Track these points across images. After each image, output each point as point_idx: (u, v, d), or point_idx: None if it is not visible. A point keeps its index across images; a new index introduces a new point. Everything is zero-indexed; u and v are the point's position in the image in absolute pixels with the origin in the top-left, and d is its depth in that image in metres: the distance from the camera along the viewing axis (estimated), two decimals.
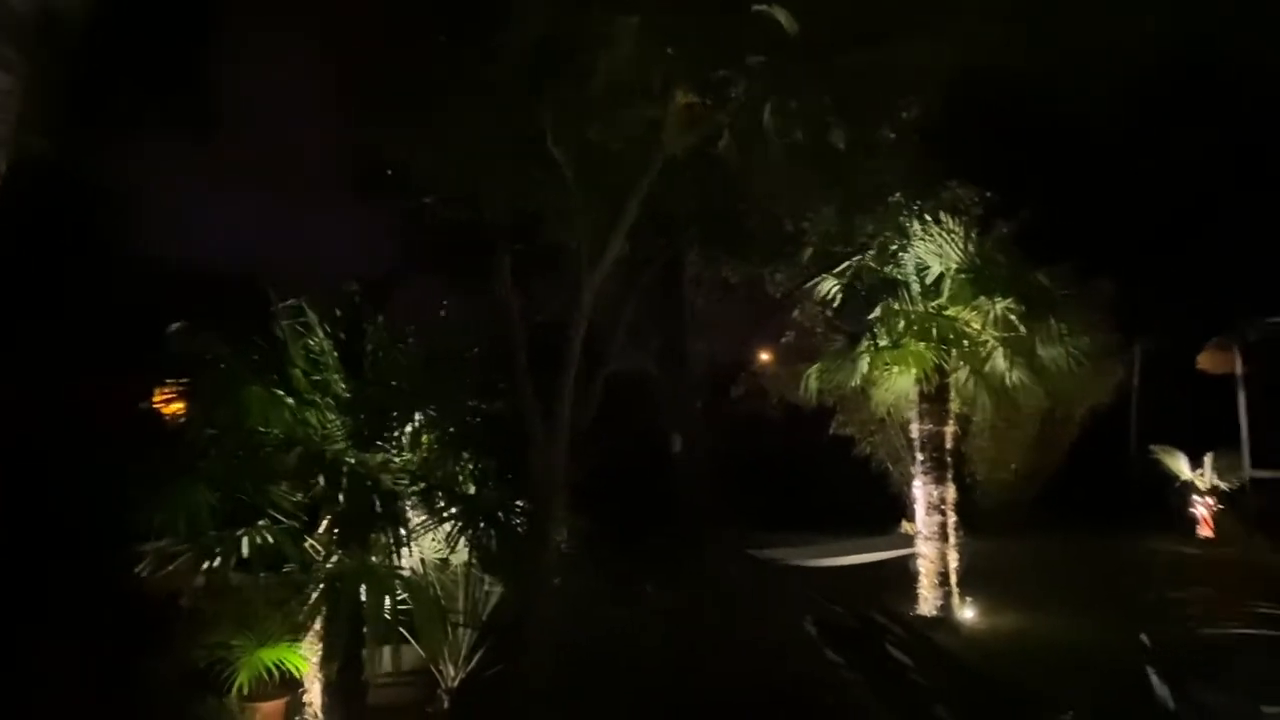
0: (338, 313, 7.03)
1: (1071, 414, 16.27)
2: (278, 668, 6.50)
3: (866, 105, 5.90)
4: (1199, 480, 14.04)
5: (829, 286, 11.08)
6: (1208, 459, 14.10)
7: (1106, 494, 15.22)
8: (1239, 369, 15.50)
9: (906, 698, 3.21)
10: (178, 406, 7.34)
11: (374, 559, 6.37)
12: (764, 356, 18.11)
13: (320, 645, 6.53)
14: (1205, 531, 13.82)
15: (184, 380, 7.06)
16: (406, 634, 6.56)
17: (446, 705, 7.09)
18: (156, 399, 7.66)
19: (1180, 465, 14.27)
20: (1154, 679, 3.59)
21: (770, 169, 6.08)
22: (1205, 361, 16.56)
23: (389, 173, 8.09)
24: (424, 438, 7.12)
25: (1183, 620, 3.29)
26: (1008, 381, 10.43)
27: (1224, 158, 17.78)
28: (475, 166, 6.97)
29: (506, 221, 7.61)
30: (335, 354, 6.78)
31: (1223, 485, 14.08)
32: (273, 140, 9.70)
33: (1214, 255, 18.59)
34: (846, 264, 10.93)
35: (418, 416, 7.15)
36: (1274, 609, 3.23)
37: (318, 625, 6.46)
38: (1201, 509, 13.55)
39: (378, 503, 6.37)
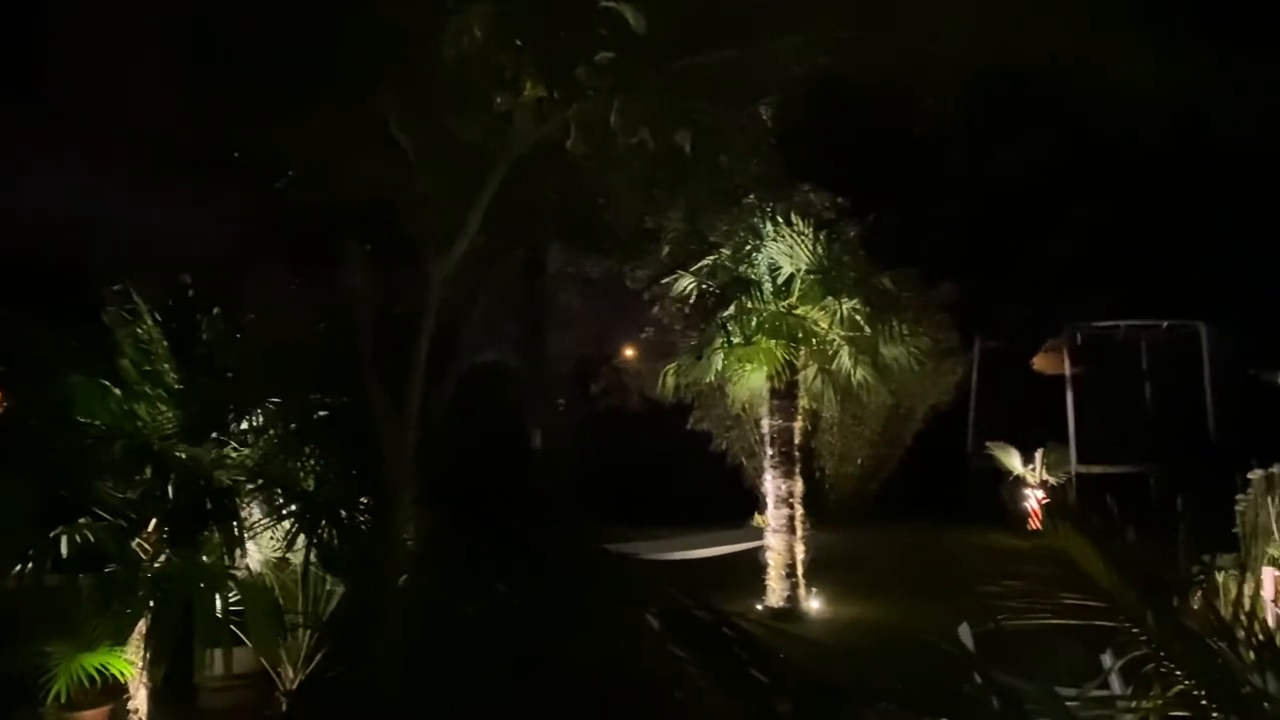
0: (169, 301, 6.70)
1: (914, 411, 17.00)
2: (100, 673, 6.15)
3: (713, 108, 5.99)
4: (1030, 475, 14.84)
5: (685, 284, 11.24)
6: (1038, 455, 14.93)
7: (945, 488, 15.96)
8: (1068, 370, 16.47)
9: (743, 688, 3.28)
10: None
11: (206, 558, 6.11)
12: (626, 352, 18.25)
13: (147, 649, 6.21)
14: (1035, 524, 14.63)
15: None
16: (241, 635, 6.31)
17: (284, 708, 6.87)
18: None
19: (1013, 461, 15.07)
20: (971, 667, 3.78)
21: (617, 166, 6.11)
22: (1040, 363, 17.56)
23: (235, 155, 7.77)
24: (270, 432, 6.87)
25: (997, 610, 3.46)
26: (853, 379, 10.81)
27: (1064, 168, 18.86)
28: (321, 150, 6.77)
29: (356, 208, 7.41)
30: (166, 343, 6.46)
31: (1051, 480, 14.92)
32: (105, 116, 9.16)
33: (1050, 261, 19.69)
34: (702, 262, 11.11)
35: (257, 410, 6.90)
36: (1078, 599, 3.43)
37: (144, 628, 6.14)
38: (1032, 503, 14.34)
39: (210, 499, 6.10)
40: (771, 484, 11.15)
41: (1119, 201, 19.17)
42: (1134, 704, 3.26)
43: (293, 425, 6.90)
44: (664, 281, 12.07)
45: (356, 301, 7.50)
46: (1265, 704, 2.86)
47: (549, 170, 7.46)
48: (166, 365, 6.47)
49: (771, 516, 11.11)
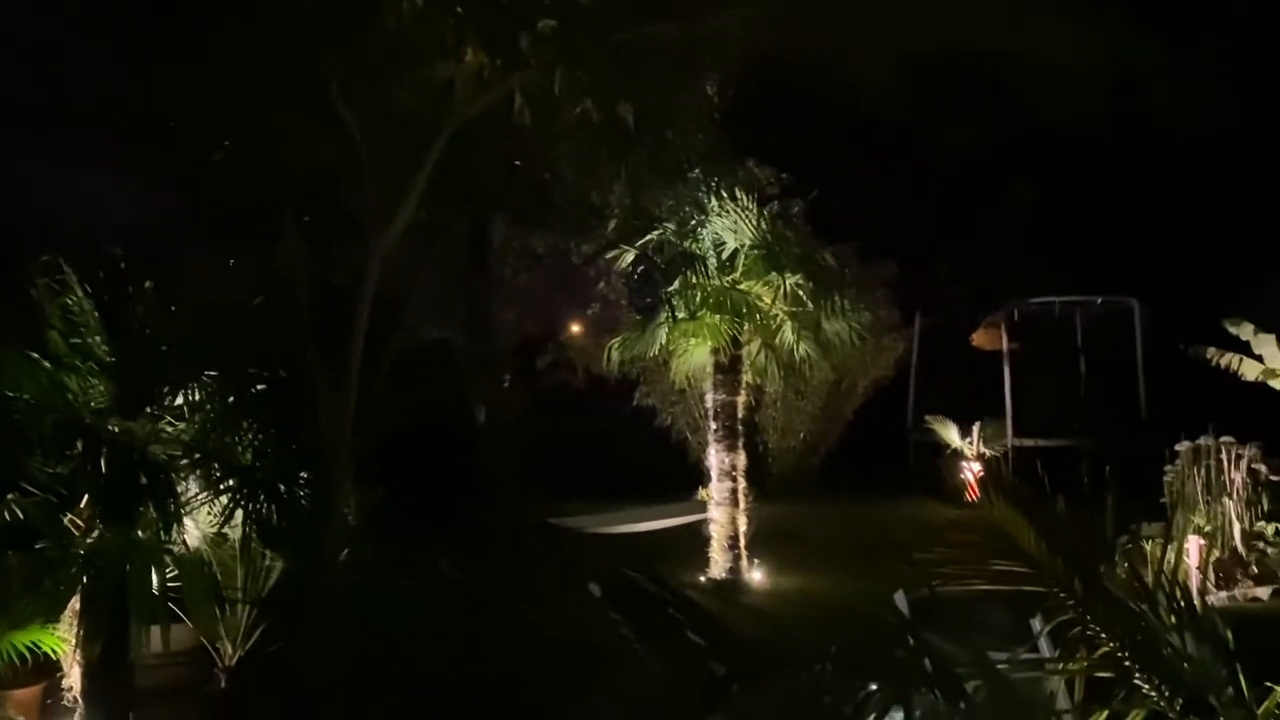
0: (101, 273, 6.54)
1: (855, 386, 17.23)
2: (31, 651, 6.03)
3: (658, 80, 5.96)
4: (967, 448, 15.12)
5: (628, 259, 11.25)
6: (976, 428, 15.21)
7: (886, 461, 16.22)
8: (1005, 345, 16.80)
9: (684, 654, 3.32)
10: None
11: (141, 534, 6.00)
12: (573, 328, 18.24)
13: (80, 627, 6.09)
14: (972, 496, 14.91)
15: None
16: (179, 612, 6.23)
17: (223, 684, 6.80)
18: None
19: (951, 434, 15.33)
20: (905, 632, 3.87)
21: (561, 139, 6.08)
22: (979, 339, 17.89)
23: (171, 123, 7.58)
24: (207, 406, 6.75)
25: (933, 579, 3.54)
26: (796, 354, 10.92)
27: (1005, 147, 19.17)
28: (259, 118, 6.64)
29: (296, 179, 7.28)
30: (96, 315, 6.31)
31: (988, 453, 15.22)
32: (32, 81, 8.86)
33: (990, 238, 20.03)
34: (647, 237, 11.12)
35: (194, 384, 6.77)
36: (1008, 566, 3.51)
37: (77, 605, 6.03)
38: (968, 475, 14.62)
39: (145, 474, 5.99)
40: (715, 458, 11.25)
41: (1057, 180, 19.55)
42: (1061, 666, 3.35)
43: (230, 399, 6.79)
44: (609, 256, 12.05)
45: (296, 275, 7.38)
46: (1185, 664, 2.96)
47: (493, 143, 7.38)
48: (97, 338, 6.32)
49: (715, 490, 11.22)
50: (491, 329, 16.59)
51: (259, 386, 6.96)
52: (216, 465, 6.40)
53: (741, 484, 11.17)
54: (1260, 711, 2.77)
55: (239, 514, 6.32)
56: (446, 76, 5.46)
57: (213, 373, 6.75)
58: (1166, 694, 2.88)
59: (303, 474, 6.59)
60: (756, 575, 11.03)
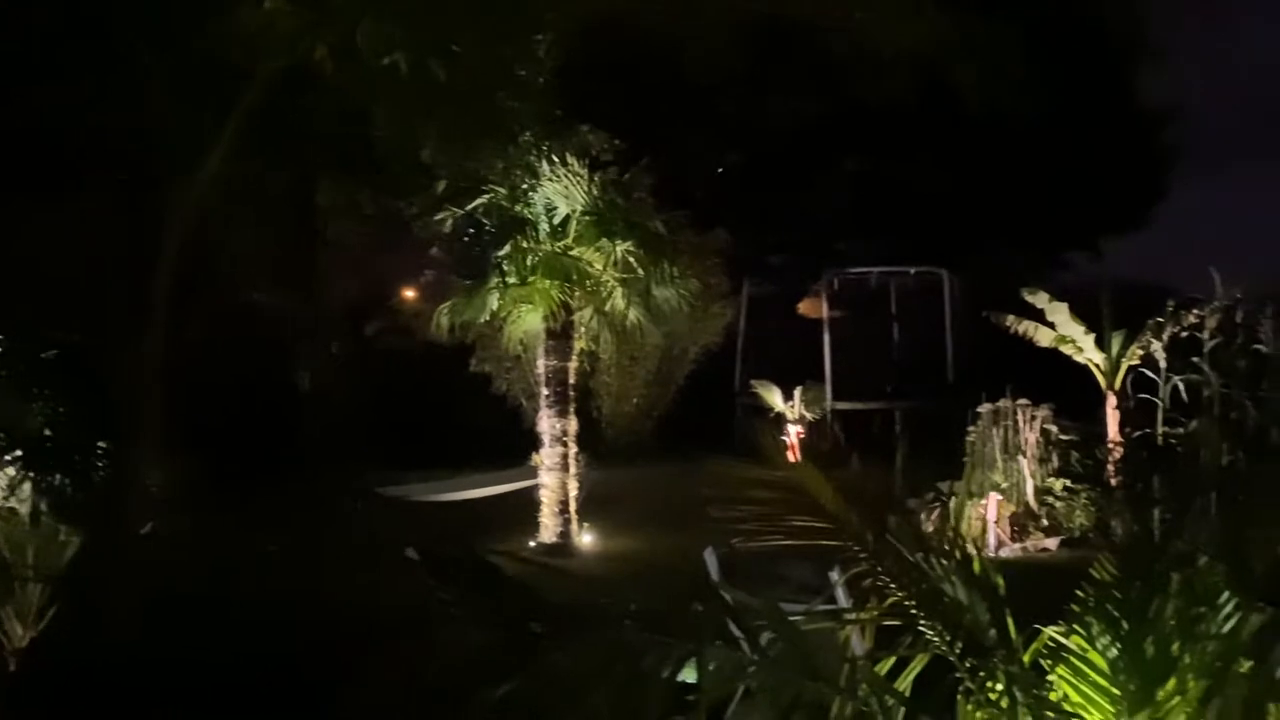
0: None
1: (686, 352, 17.57)
2: None
3: (482, 38, 5.84)
4: (790, 412, 15.66)
5: (452, 221, 11.08)
6: (797, 392, 15.76)
7: (715, 424, 16.63)
8: (825, 314, 17.50)
9: (497, 618, 3.32)
10: None
11: None
12: (406, 293, 17.83)
13: None
14: (793, 457, 15.44)
15: None
16: None
17: (12, 668, 6.36)
18: None
19: (775, 399, 15.82)
20: (708, 588, 3.98)
21: (381, 95, 5.88)
22: (805, 307, 18.53)
23: None
24: None
25: (740, 535, 3.64)
26: (628, 320, 11.02)
27: (831, 122, 19.80)
28: (59, 69, 6.17)
29: (99, 131, 6.80)
30: None
31: (809, 415, 15.81)
32: None
33: (817, 210, 20.72)
34: (478, 200, 10.95)
35: None
36: (809, 522, 3.63)
37: None
38: (791, 437, 15.15)
39: None
40: (547, 423, 11.27)
41: (879, 155, 20.39)
42: (855, 615, 3.52)
43: (20, 365, 6.34)
44: (439, 218, 11.80)
45: (96, 233, 6.93)
46: (964, 613, 3.15)
47: (314, 97, 7.09)
48: None
49: (546, 455, 11.24)
50: (318, 292, 16.01)
51: (52, 352, 6.52)
52: (2, 435, 5.97)
53: (573, 449, 11.24)
54: (1029, 651, 2.97)
55: (26, 486, 5.92)
56: (252, 26, 5.19)
57: None
58: (947, 639, 3.06)
59: (100, 444, 6.22)
60: (586, 539, 11.15)
